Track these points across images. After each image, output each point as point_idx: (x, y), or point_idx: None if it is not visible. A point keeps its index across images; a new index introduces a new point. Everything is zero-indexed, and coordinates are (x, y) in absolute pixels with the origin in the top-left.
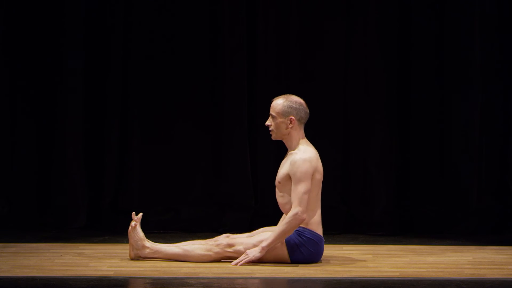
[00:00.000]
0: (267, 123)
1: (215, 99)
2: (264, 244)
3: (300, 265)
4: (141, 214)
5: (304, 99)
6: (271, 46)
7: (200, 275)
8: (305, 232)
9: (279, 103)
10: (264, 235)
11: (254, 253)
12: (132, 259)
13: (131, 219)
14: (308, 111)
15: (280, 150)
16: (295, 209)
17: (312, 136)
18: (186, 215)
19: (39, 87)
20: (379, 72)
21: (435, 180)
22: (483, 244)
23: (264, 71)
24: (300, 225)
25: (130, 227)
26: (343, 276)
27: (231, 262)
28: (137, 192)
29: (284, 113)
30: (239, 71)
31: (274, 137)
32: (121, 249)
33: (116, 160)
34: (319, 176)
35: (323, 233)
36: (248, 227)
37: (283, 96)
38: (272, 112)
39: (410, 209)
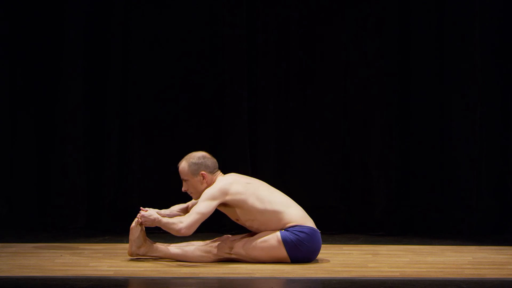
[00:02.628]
0: (184, 189)
1: (215, 99)
2: (160, 221)
3: (300, 264)
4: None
5: (304, 98)
6: (271, 44)
7: (200, 275)
8: (298, 230)
9: (184, 166)
10: (267, 238)
11: (151, 217)
12: (130, 255)
13: (131, 219)
14: (214, 159)
15: (280, 151)
16: (180, 225)
17: (312, 136)
18: None
19: (39, 86)
20: (379, 72)
21: (435, 180)
22: (483, 244)
23: (264, 68)
24: (289, 225)
25: (133, 223)
26: (343, 276)
27: (231, 262)
28: (137, 192)
29: (194, 172)
30: (239, 68)
31: (196, 197)
32: (121, 249)
33: (116, 160)
34: (241, 187)
35: (322, 232)
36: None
37: (184, 158)
38: (183, 177)
39: (410, 209)
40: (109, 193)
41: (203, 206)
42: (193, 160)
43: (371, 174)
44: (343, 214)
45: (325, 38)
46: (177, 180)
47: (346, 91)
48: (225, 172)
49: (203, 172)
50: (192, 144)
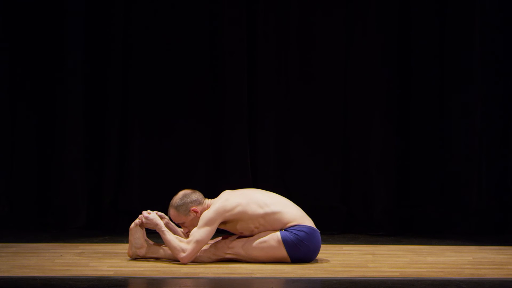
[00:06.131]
0: (185, 231)
1: (215, 99)
2: (163, 232)
3: (300, 264)
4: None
5: (304, 98)
6: (271, 43)
7: (200, 275)
8: (298, 229)
9: (174, 212)
10: (266, 239)
11: (154, 221)
12: (130, 256)
13: (131, 219)
14: (196, 191)
15: (281, 150)
16: (182, 255)
17: (312, 135)
18: None
19: (39, 86)
20: (379, 72)
21: (435, 180)
22: (483, 244)
23: (264, 68)
24: (288, 224)
25: (133, 224)
26: (343, 276)
27: (231, 262)
28: (137, 192)
29: (185, 213)
30: (239, 68)
31: None
32: (121, 249)
33: (116, 160)
34: (237, 198)
35: (322, 232)
36: None
37: (169, 206)
38: (178, 222)
39: (410, 209)
40: (109, 193)
41: (202, 233)
42: (178, 202)
43: (371, 174)
44: (343, 214)
45: (325, 37)
46: (177, 180)
47: (346, 91)
48: (224, 171)
49: (193, 208)
50: (192, 144)
